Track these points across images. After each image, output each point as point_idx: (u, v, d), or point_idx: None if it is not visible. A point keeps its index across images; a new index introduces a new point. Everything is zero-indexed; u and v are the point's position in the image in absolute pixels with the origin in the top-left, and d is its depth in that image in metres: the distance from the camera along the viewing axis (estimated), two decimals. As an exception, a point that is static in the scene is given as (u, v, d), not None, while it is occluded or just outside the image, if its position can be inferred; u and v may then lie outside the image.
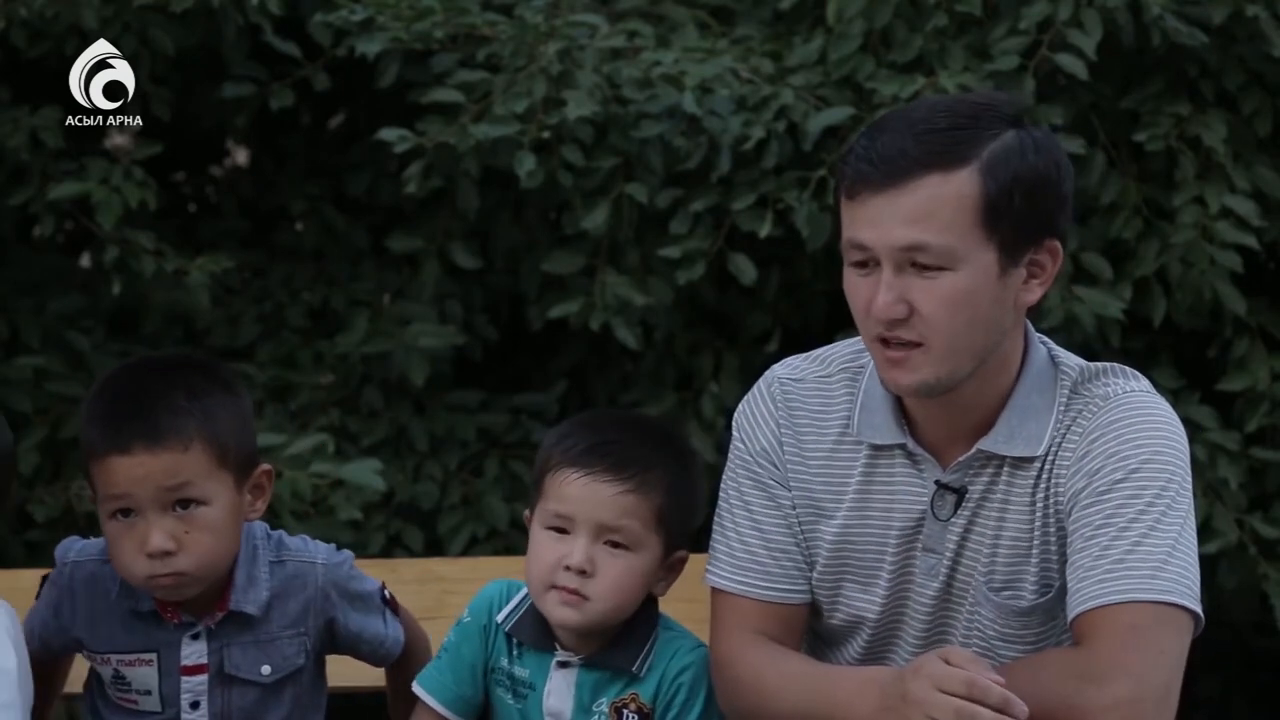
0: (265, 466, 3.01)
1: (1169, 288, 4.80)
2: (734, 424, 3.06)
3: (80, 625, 3.02)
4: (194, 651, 2.99)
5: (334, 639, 3.08)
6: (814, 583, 3.00)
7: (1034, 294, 2.82)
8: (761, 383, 3.04)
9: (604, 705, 3.00)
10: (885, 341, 2.80)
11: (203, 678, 3.00)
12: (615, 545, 2.94)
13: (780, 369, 3.03)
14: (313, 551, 3.05)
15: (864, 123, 4.65)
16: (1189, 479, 2.86)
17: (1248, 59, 4.82)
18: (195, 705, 3.00)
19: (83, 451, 2.95)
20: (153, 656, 3.00)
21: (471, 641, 3.05)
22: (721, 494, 3.05)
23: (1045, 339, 2.96)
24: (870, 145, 2.77)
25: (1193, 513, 2.85)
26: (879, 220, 2.75)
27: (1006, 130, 2.78)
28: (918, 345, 2.78)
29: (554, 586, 2.94)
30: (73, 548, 3.07)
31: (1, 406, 4.80)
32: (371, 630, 3.10)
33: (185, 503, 2.91)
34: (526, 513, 3.04)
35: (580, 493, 2.93)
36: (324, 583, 3.03)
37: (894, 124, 2.79)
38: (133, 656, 3.00)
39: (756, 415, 3.01)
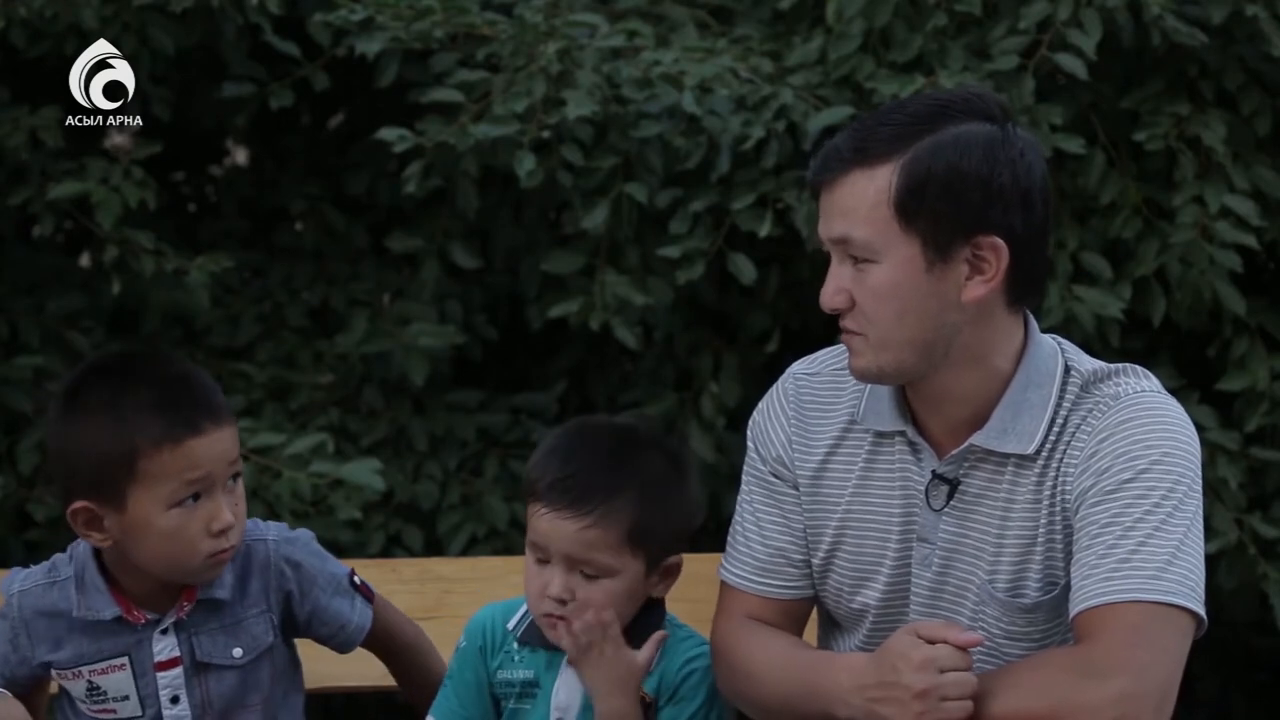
0: None
1: (1169, 287, 4.80)
2: (749, 428, 3.13)
3: (44, 649, 3.00)
4: (165, 646, 2.99)
5: (292, 617, 3.08)
6: (818, 570, 3.05)
7: (977, 290, 2.85)
8: (778, 382, 3.11)
9: None
10: (841, 330, 2.92)
11: (178, 671, 2.99)
12: (588, 574, 2.98)
13: (799, 365, 3.11)
14: (263, 530, 3.06)
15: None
16: (1199, 481, 2.86)
17: (1247, 59, 4.83)
18: (175, 700, 3.00)
19: (127, 452, 2.87)
20: (124, 660, 2.99)
21: (471, 664, 3.10)
22: (741, 489, 3.13)
23: (1062, 341, 2.98)
24: (824, 146, 2.90)
25: (1201, 514, 2.85)
26: (822, 214, 2.89)
27: (952, 126, 2.83)
28: (861, 334, 2.88)
29: (543, 615, 3.01)
30: (15, 579, 3.05)
31: (1, 406, 4.81)
32: (332, 610, 3.09)
33: (235, 475, 2.95)
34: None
35: (547, 527, 2.97)
36: (276, 558, 3.04)
37: (851, 125, 2.93)
38: (104, 664, 2.99)
39: (770, 421, 3.09)
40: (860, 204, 2.83)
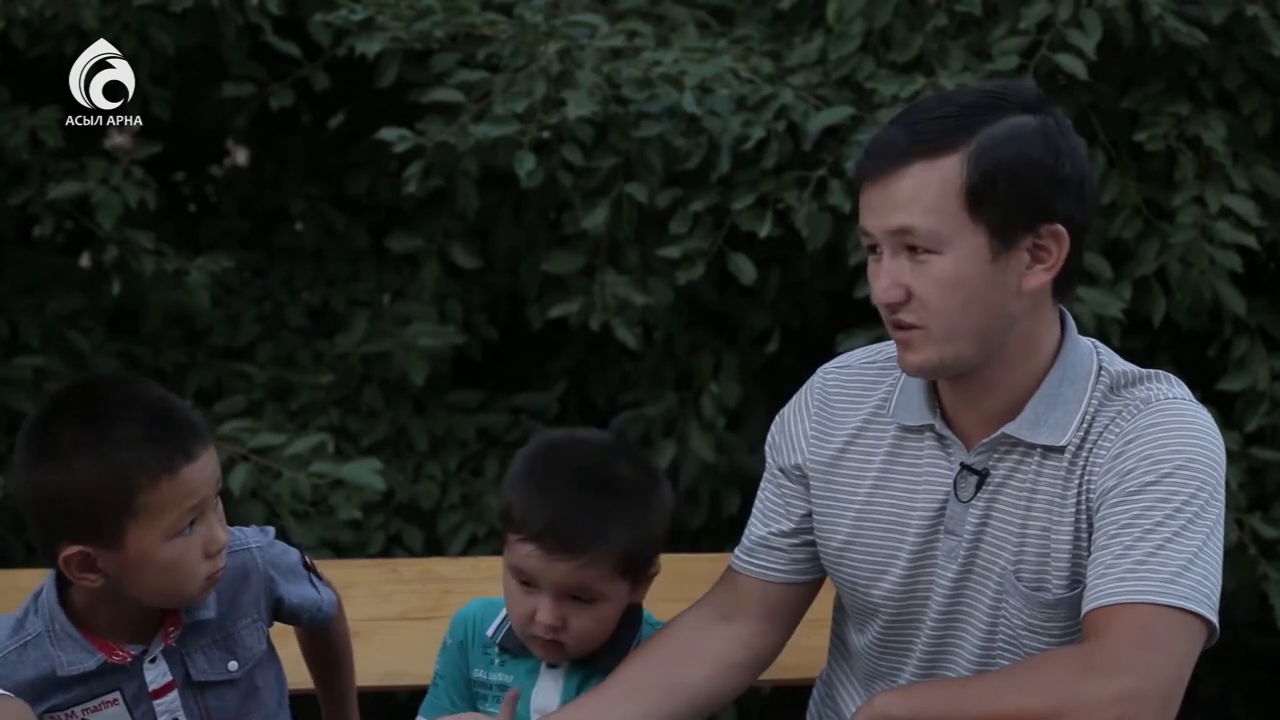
0: None
1: (1169, 288, 4.80)
2: (770, 432, 3.14)
3: (36, 707, 2.89)
4: (158, 674, 2.93)
5: (280, 613, 3.06)
6: (833, 560, 3.06)
7: (1039, 279, 2.86)
8: (806, 385, 3.13)
9: None
10: (895, 325, 2.89)
11: (174, 694, 2.94)
12: (582, 599, 2.99)
13: (830, 363, 3.13)
14: (245, 538, 3.01)
15: (864, 123, 4.66)
16: (1221, 489, 2.85)
17: (1248, 59, 4.82)
18: None
19: (124, 490, 2.77)
20: (115, 695, 2.92)
21: (457, 660, 3.13)
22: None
23: (1098, 343, 2.99)
24: (873, 139, 2.89)
25: (1221, 525, 2.85)
26: (877, 207, 2.85)
27: (1008, 117, 2.84)
28: (920, 328, 2.85)
29: (532, 635, 3.02)
30: None
31: (1, 406, 4.81)
32: (310, 598, 3.08)
33: (218, 494, 2.88)
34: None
35: (538, 565, 2.96)
36: (263, 564, 3.00)
37: (899, 117, 2.91)
38: (96, 702, 2.92)
39: (794, 415, 3.11)
40: (924, 194, 2.81)
